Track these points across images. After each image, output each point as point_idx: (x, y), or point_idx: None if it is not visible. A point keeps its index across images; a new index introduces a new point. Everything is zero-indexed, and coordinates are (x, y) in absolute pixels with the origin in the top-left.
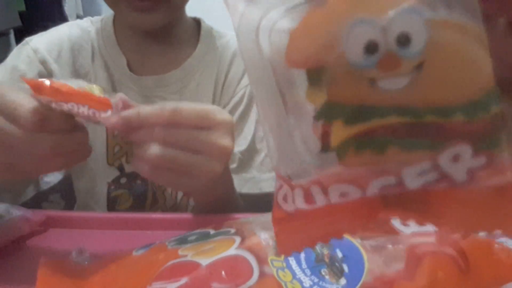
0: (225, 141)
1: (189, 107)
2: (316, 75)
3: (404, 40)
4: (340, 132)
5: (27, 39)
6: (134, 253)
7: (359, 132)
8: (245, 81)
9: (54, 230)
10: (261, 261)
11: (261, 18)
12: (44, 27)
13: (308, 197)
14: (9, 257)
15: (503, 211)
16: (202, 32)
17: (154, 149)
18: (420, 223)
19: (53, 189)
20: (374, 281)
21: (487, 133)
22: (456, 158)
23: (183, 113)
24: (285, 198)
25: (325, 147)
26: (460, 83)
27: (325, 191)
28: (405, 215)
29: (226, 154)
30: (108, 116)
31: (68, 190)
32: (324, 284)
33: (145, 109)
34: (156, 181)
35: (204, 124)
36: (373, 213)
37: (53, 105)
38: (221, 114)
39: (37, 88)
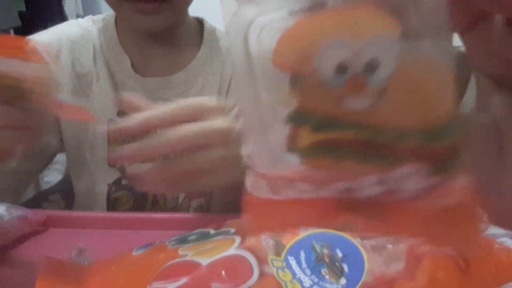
0: (221, 123)
1: (177, 104)
2: (293, 81)
3: (372, 66)
4: (306, 138)
5: (27, 38)
6: (134, 253)
7: (322, 140)
8: None
9: (54, 230)
10: (261, 261)
11: (256, 15)
12: (44, 27)
13: (274, 189)
14: (9, 257)
15: (451, 230)
16: (205, 34)
17: (157, 168)
18: (368, 228)
19: (53, 189)
20: (374, 281)
21: (441, 159)
22: (408, 177)
23: (176, 111)
24: (255, 185)
25: (291, 148)
26: (418, 112)
27: (288, 186)
28: (355, 218)
29: (225, 135)
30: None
31: (68, 190)
32: (324, 284)
33: (137, 118)
34: (181, 191)
35: (200, 115)
36: (327, 212)
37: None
38: (208, 102)
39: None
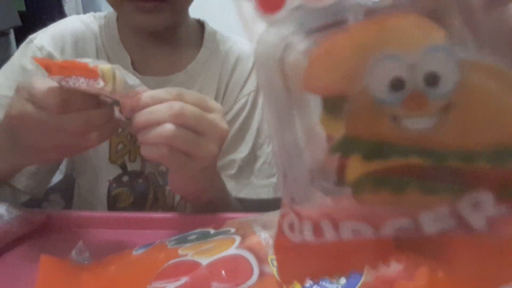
0: (224, 124)
1: (190, 91)
2: (333, 104)
3: (432, 79)
4: (357, 168)
5: (31, 37)
6: (134, 253)
7: (378, 170)
8: (248, 88)
9: (54, 230)
10: (261, 260)
11: (281, 41)
12: (44, 27)
13: (317, 231)
14: (9, 256)
15: None
16: (205, 36)
17: (169, 127)
18: (433, 270)
19: (53, 188)
20: (374, 281)
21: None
22: (476, 205)
23: (186, 96)
24: (291, 227)
25: (340, 181)
26: (489, 129)
27: (336, 226)
28: (417, 260)
29: (224, 136)
30: (102, 88)
31: (68, 189)
32: (324, 284)
33: (154, 91)
34: (166, 161)
35: (204, 106)
36: (384, 254)
37: (63, 82)
38: (214, 101)
39: (48, 68)
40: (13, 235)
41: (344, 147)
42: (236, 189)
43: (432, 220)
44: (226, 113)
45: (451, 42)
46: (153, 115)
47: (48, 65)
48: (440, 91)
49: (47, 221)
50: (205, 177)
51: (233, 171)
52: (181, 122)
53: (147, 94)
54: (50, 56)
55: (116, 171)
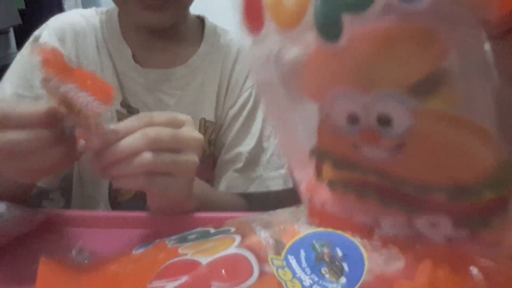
0: (196, 133)
1: (159, 113)
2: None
3: (384, 120)
4: (329, 172)
5: (36, 34)
6: (134, 252)
7: (344, 177)
8: (250, 82)
9: (54, 229)
10: (261, 260)
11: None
12: None
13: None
14: (9, 256)
15: None
16: (206, 30)
17: (147, 156)
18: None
19: (54, 187)
20: (374, 280)
21: (475, 215)
22: (434, 225)
23: (156, 119)
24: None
25: (319, 176)
26: (444, 170)
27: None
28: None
29: (200, 144)
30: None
31: (69, 188)
32: (324, 283)
33: (121, 124)
34: (148, 188)
35: (175, 124)
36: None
37: (53, 82)
38: (181, 114)
39: (47, 59)
40: (13, 234)
41: (318, 155)
42: (244, 185)
43: (390, 225)
44: (230, 107)
45: (407, 92)
46: (129, 147)
47: (50, 54)
48: (391, 132)
49: (47, 221)
50: (188, 188)
51: (240, 164)
52: (158, 147)
53: (119, 125)
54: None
55: None
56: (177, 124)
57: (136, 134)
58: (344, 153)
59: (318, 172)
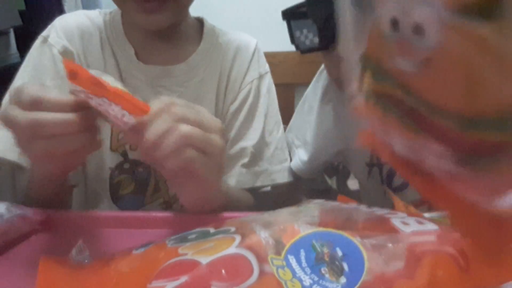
0: (215, 118)
1: (177, 99)
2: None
3: (418, 30)
4: (367, 82)
5: (43, 35)
6: (134, 252)
7: (377, 89)
8: (250, 76)
9: (54, 229)
10: (261, 259)
11: None
12: (44, 26)
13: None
14: (9, 256)
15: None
16: (205, 30)
17: (183, 127)
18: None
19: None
20: (374, 280)
21: (480, 153)
22: (439, 156)
23: (177, 101)
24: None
25: (359, 88)
26: (460, 95)
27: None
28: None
29: (222, 128)
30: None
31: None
32: (324, 283)
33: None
34: (190, 164)
35: (195, 108)
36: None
37: (82, 95)
38: (218, 121)
39: (73, 74)
40: (13, 234)
41: (363, 61)
42: (251, 180)
43: (402, 145)
44: (231, 102)
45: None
46: (163, 126)
47: (74, 70)
48: (422, 44)
49: (47, 221)
50: (218, 181)
51: (246, 159)
52: (179, 142)
53: (150, 111)
54: (65, 49)
55: (117, 159)
56: (196, 109)
57: (163, 115)
58: (383, 61)
59: (360, 82)
